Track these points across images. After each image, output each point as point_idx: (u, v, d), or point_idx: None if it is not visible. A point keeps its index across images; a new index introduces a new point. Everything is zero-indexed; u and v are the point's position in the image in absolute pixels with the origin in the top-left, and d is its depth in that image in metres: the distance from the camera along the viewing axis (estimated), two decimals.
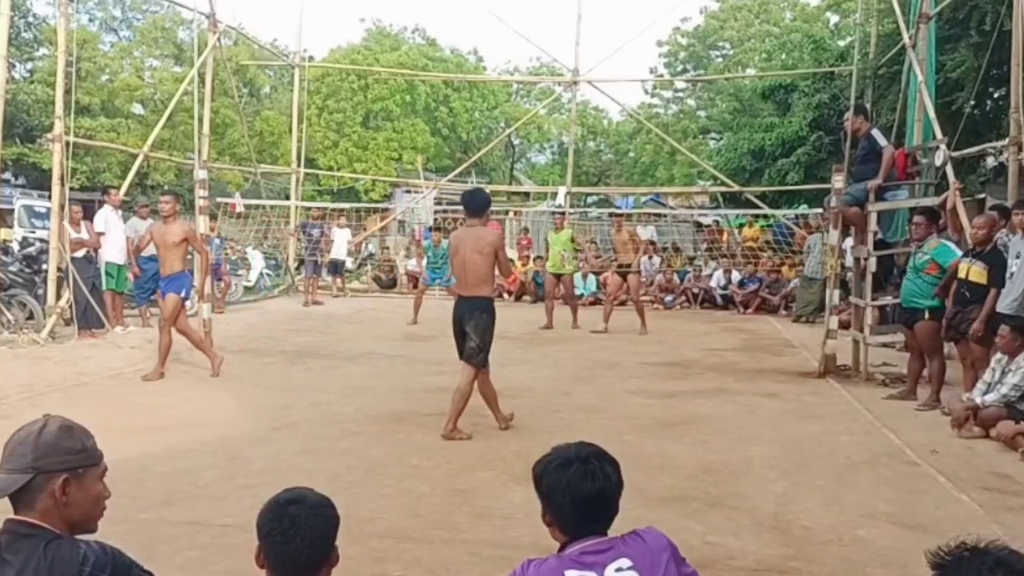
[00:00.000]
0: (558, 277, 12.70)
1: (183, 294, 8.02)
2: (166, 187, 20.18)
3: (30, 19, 23.06)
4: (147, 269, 11.21)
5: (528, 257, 17.05)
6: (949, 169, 9.58)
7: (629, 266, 12.26)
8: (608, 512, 2.05)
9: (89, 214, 11.06)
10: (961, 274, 6.98)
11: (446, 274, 13.41)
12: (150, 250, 11.44)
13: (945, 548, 1.56)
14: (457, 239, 6.20)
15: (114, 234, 10.92)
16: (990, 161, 13.93)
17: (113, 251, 10.88)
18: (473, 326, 5.93)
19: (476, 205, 6.13)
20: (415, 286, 16.94)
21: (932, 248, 7.31)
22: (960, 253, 7.31)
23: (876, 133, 8.60)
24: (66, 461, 1.92)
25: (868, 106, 14.53)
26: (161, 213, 8.05)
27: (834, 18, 24.45)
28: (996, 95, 13.11)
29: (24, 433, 1.92)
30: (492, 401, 6.21)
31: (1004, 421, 6.03)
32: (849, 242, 9.42)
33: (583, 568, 1.94)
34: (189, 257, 8.54)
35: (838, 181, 8.81)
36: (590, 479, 2.01)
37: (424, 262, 13.96)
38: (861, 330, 8.63)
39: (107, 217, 10.93)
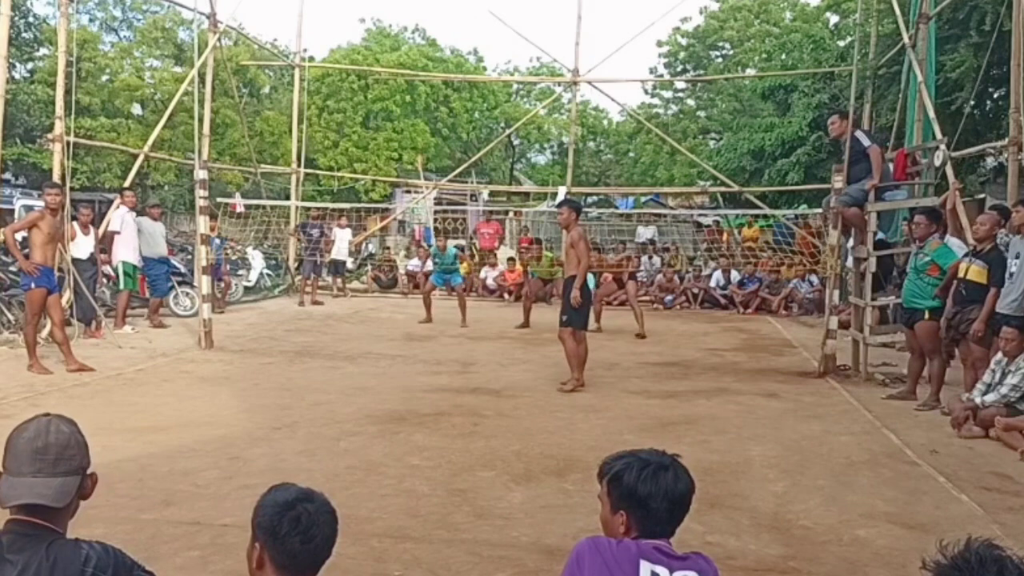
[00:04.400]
0: (546, 281, 12.88)
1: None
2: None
3: (30, 19, 22.97)
4: (154, 268, 11.60)
5: (528, 257, 17.02)
6: (949, 169, 9.59)
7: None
8: (681, 515, 2.19)
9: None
10: (960, 273, 6.99)
11: (451, 278, 13.43)
12: (157, 251, 11.67)
13: (946, 557, 1.54)
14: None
15: (129, 234, 11.14)
16: (990, 161, 13.94)
17: (128, 251, 11.06)
18: None
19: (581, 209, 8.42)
20: (415, 286, 16.97)
21: (933, 249, 7.31)
22: (960, 254, 7.32)
23: (859, 134, 8.62)
24: (89, 459, 1.99)
25: (867, 106, 14.56)
26: (50, 205, 8.27)
27: (834, 18, 24.39)
28: (996, 95, 13.12)
29: (60, 436, 1.91)
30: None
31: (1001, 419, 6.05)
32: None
33: (655, 563, 2.05)
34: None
35: (838, 181, 8.81)
36: (682, 481, 2.18)
37: (429, 263, 13.91)
38: (861, 330, 8.63)
39: (123, 217, 11.07)
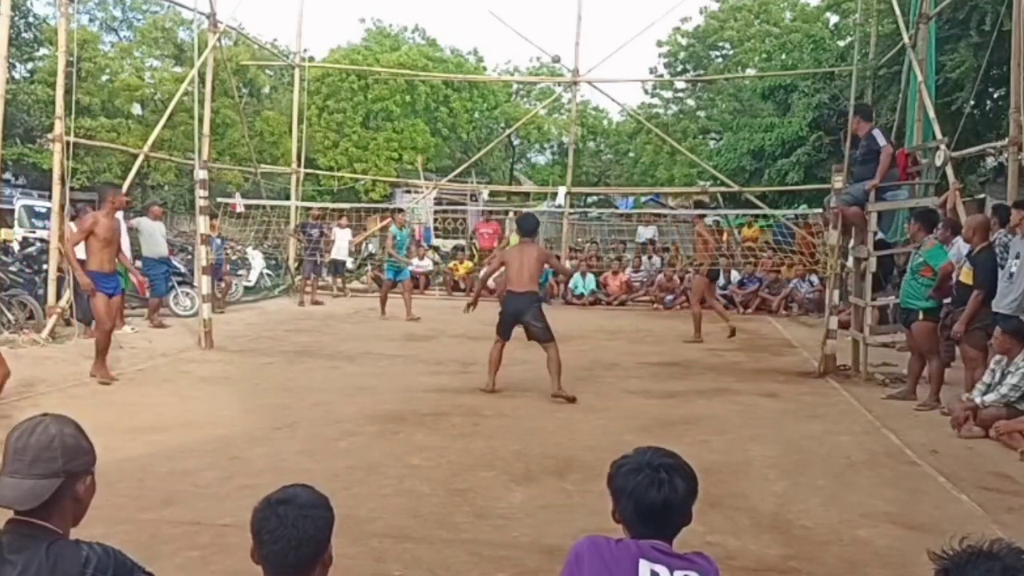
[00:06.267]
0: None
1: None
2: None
3: (30, 19, 22.99)
4: (154, 268, 11.61)
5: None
6: (949, 169, 9.60)
7: (701, 264, 11.83)
8: (671, 522, 2.10)
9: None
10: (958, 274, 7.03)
11: (399, 273, 13.32)
12: (158, 251, 11.65)
13: (951, 549, 1.52)
14: (512, 253, 7.90)
15: (122, 235, 11.10)
16: (990, 161, 13.94)
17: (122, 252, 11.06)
18: (533, 315, 7.48)
19: (530, 227, 7.98)
20: (415, 286, 16.95)
21: (926, 250, 7.31)
22: (951, 255, 7.34)
23: (877, 133, 8.60)
24: (87, 462, 1.95)
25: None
26: (118, 206, 8.27)
27: (834, 18, 24.40)
28: (996, 95, 13.13)
29: (43, 437, 1.88)
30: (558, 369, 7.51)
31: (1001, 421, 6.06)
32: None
33: (654, 562, 2.00)
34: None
35: (838, 181, 8.82)
36: (655, 488, 2.05)
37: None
38: (861, 330, 8.63)
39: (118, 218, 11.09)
